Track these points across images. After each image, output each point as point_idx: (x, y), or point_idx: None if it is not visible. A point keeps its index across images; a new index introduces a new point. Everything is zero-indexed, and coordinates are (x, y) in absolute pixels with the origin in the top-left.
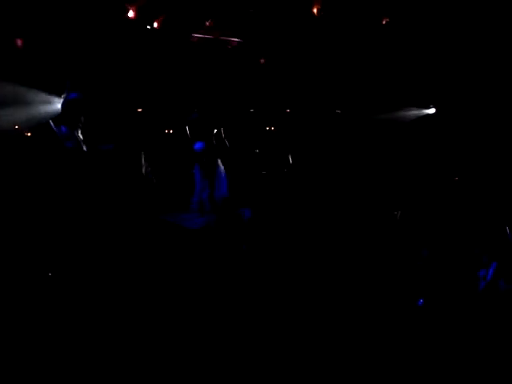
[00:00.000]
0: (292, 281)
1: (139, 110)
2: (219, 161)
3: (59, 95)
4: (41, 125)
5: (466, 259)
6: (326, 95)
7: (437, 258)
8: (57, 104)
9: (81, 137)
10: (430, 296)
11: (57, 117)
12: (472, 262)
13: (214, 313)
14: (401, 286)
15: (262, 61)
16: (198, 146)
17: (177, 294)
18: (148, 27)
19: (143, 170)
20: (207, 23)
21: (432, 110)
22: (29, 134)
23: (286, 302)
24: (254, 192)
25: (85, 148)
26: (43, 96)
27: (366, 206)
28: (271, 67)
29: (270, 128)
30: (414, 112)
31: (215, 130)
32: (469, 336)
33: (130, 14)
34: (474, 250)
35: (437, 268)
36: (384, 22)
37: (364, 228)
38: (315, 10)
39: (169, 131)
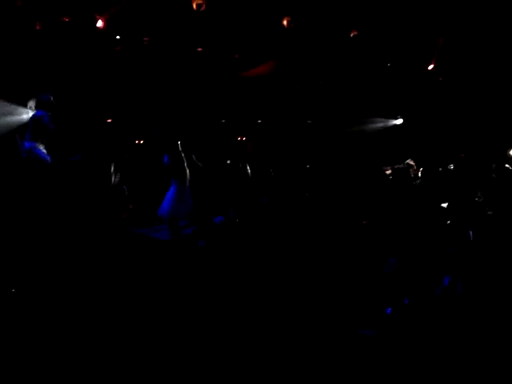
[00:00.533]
0: (260, 288)
1: (109, 120)
2: (187, 172)
3: (25, 106)
4: (4, 136)
5: (428, 264)
6: (296, 106)
7: (403, 266)
8: (22, 115)
9: (44, 149)
10: (396, 303)
11: (22, 128)
12: (433, 266)
13: (186, 322)
14: (369, 292)
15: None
16: (166, 159)
17: (147, 305)
18: (117, 37)
19: (113, 181)
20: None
21: (399, 121)
22: None
23: (252, 311)
24: (227, 201)
25: (49, 159)
26: (8, 106)
27: (335, 214)
28: (242, 79)
29: (242, 138)
30: (381, 122)
31: (179, 142)
32: (433, 338)
33: (99, 23)
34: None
35: (403, 275)
36: (352, 35)
37: (334, 236)
38: (285, 23)
39: (139, 142)
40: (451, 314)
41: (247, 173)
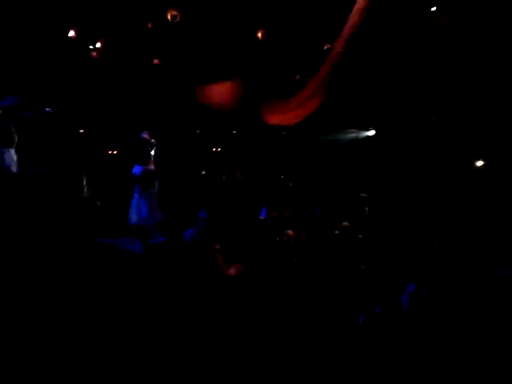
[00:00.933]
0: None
1: (81, 130)
2: (156, 184)
3: None
4: None
5: (395, 273)
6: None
7: (373, 272)
8: None
9: (14, 157)
10: (368, 311)
11: None
12: (399, 275)
13: (156, 336)
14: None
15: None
16: (136, 170)
17: (117, 318)
18: (90, 47)
19: (85, 193)
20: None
21: (372, 132)
22: None
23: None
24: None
25: (14, 169)
26: None
27: (308, 224)
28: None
29: (217, 149)
30: (354, 134)
31: (151, 152)
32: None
33: (71, 33)
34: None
35: (372, 281)
36: (325, 48)
37: (307, 247)
38: (260, 35)
39: (112, 152)
40: (419, 320)
41: (222, 183)
